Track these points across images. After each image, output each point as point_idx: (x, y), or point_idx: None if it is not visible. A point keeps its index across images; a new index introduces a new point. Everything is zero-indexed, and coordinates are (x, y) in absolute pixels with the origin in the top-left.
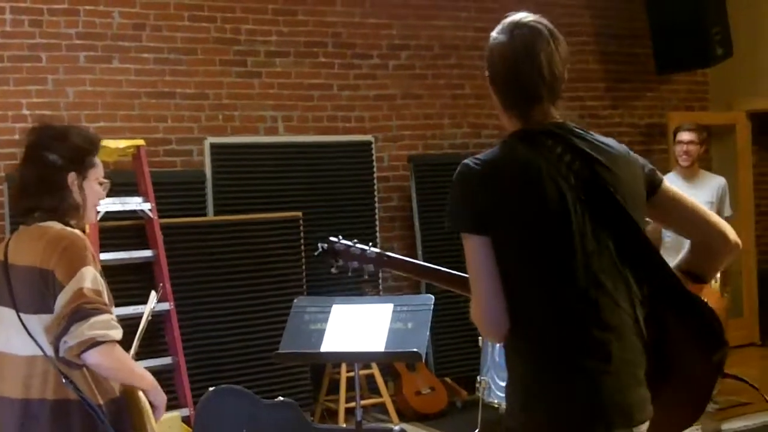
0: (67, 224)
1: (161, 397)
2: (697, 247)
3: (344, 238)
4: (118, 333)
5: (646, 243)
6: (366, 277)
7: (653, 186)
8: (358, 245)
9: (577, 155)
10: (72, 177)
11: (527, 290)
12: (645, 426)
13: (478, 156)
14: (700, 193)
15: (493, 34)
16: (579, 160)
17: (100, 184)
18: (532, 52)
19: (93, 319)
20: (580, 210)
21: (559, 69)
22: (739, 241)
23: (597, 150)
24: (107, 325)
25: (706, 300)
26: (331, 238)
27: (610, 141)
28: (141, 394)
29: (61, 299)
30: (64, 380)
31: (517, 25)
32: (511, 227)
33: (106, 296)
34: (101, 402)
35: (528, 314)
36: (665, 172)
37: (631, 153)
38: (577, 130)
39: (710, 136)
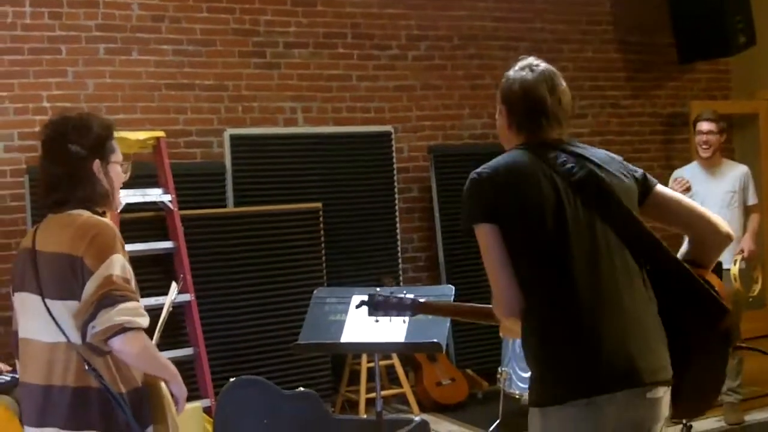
0: (96, 212)
1: (183, 390)
2: (693, 241)
3: (380, 287)
4: (145, 320)
5: (641, 227)
6: (404, 322)
7: (647, 188)
8: (396, 295)
9: (573, 158)
10: (97, 165)
11: (533, 273)
12: (661, 388)
13: (483, 165)
14: (723, 183)
15: (511, 72)
16: (574, 162)
17: (121, 165)
18: (554, 86)
19: (121, 306)
20: (577, 203)
21: (567, 102)
22: (731, 232)
23: (589, 157)
24: (135, 312)
25: (709, 280)
26: (370, 293)
27: (601, 152)
28: (163, 385)
29: (90, 286)
30: (86, 367)
31: (535, 65)
32: (516, 219)
33: (134, 284)
34: (123, 391)
35: (535, 294)
36: (687, 162)
37: (623, 161)
38: (573, 143)
39: (732, 125)
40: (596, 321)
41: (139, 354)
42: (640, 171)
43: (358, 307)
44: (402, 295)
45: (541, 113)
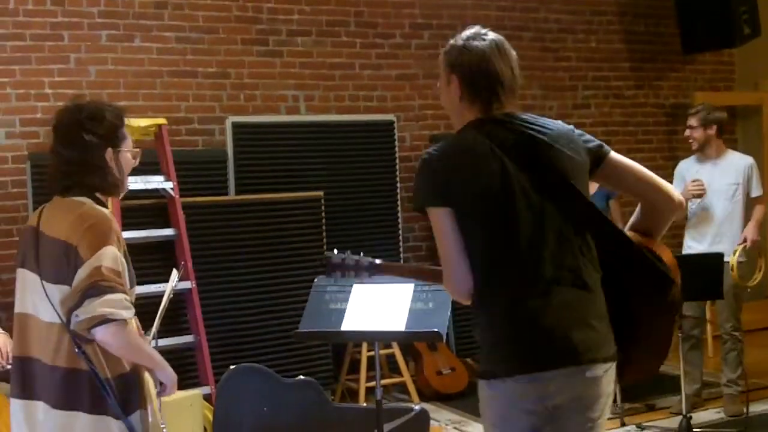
0: (99, 201)
1: (171, 375)
2: (645, 207)
3: (340, 251)
4: (129, 313)
5: (586, 205)
6: (363, 282)
7: (599, 157)
8: (352, 257)
9: (520, 136)
10: (109, 154)
11: (481, 253)
12: (600, 366)
13: (434, 147)
14: (727, 174)
15: (459, 41)
16: (521, 140)
17: (131, 152)
18: (506, 54)
19: (106, 297)
20: (523, 181)
21: (517, 73)
22: (683, 200)
23: (539, 131)
24: (119, 304)
25: (659, 253)
26: (326, 253)
27: (552, 123)
28: (147, 375)
29: (80, 274)
30: (77, 350)
31: (484, 34)
32: (465, 200)
33: (126, 277)
34: (109, 376)
35: (482, 274)
36: (690, 153)
37: (576, 131)
38: (523, 116)
39: (736, 116)
40: (538, 300)
41: (121, 346)
42: (594, 142)
43: (327, 275)
44: (359, 257)
45: (496, 84)
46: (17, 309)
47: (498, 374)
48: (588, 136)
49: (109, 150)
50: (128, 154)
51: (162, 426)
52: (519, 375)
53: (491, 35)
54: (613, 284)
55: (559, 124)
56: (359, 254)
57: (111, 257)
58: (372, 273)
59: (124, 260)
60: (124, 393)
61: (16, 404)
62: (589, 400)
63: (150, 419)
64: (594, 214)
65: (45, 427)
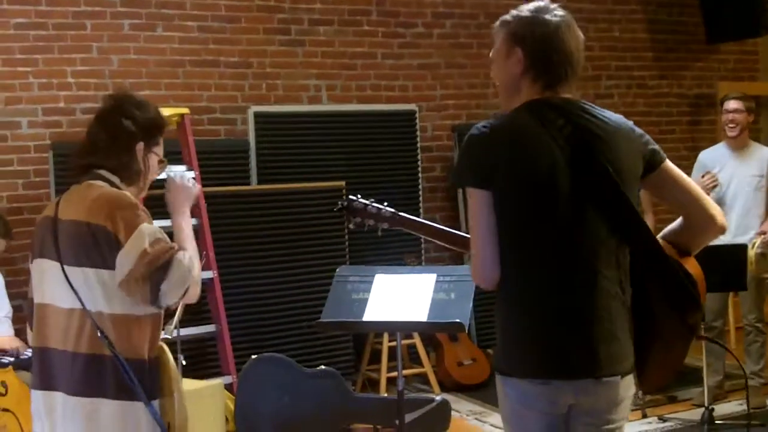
0: (114, 185)
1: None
2: (685, 223)
3: (363, 197)
4: (193, 266)
5: (630, 210)
6: (379, 233)
7: (653, 164)
8: (375, 204)
9: (576, 127)
10: (140, 146)
11: (512, 245)
12: (618, 379)
13: (485, 121)
14: (750, 166)
15: (527, 13)
16: (577, 131)
17: (159, 163)
18: (576, 35)
19: (170, 274)
20: (569, 177)
21: (582, 55)
22: (725, 224)
23: (597, 124)
24: (180, 265)
25: (688, 268)
26: (350, 197)
27: (614, 117)
28: (169, 356)
29: (126, 262)
30: (99, 335)
31: (555, 10)
32: (507, 186)
33: (167, 238)
34: (132, 361)
35: (510, 267)
36: (713, 143)
37: (636, 131)
38: (584, 105)
39: (759, 106)
40: (564, 305)
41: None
42: (651, 146)
43: (335, 210)
44: (381, 206)
45: (566, 64)
46: (36, 300)
47: (512, 374)
48: (647, 138)
49: (141, 144)
50: (155, 159)
51: (186, 412)
52: (533, 379)
53: (562, 12)
54: (641, 294)
55: (620, 121)
56: (383, 204)
57: (149, 232)
58: (392, 224)
59: (156, 227)
60: (147, 378)
61: (36, 395)
62: (608, 405)
63: (176, 405)
64: (637, 225)
65: (67, 416)
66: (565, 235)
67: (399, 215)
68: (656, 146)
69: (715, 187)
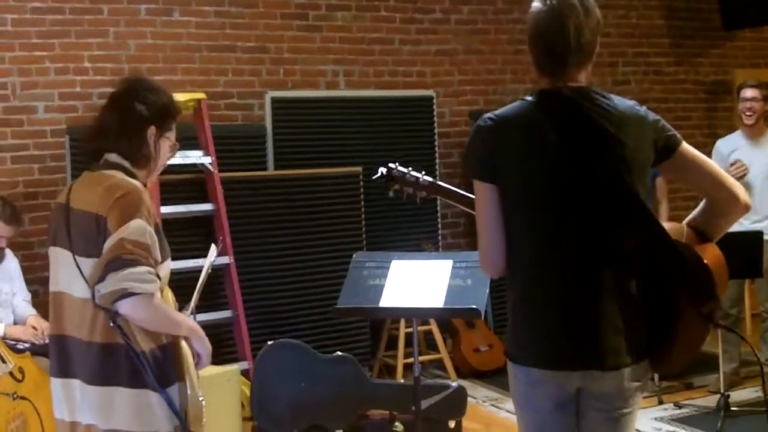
0: (131, 175)
1: (205, 345)
2: (708, 205)
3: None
4: (152, 286)
5: (635, 200)
6: (418, 202)
7: (669, 149)
8: (413, 173)
9: (584, 117)
10: (152, 130)
11: (518, 234)
12: (623, 371)
13: (495, 111)
14: (766, 153)
15: (532, 5)
16: (584, 122)
17: (171, 148)
18: (562, 18)
19: (127, 270)
20: (573, 168)
21: (587, 38)
22: (749, 201)
23: (605, 114)
24: (141, 277)
25: (704, 257)
26: (390, 165)
27: (624, 104)
28: (184, 344)
29: (105, 247)
30: (112, 324)
31: None
32: (512, 177)
33: (156, 249)
34: (145, 349)
35: (518, 256)
36: (730, 130)
37: (649, 117)
38: (593, 94)
39: None
40: (565, 298)
41: (146, 318)
42: (667, 132)
43: (375, 178)
44: (420, 175)
45: (565, 52)
46: (51, 288)
47: (519, 361)
48: (662, 124)
49: (153, 128)
50: (168, 144)
51: (201, 399)
52: (536, 368)
53: None
54: (655, 285)
55: (629, 108)
56: (421, 173)
57: (137, 230)
58: (429, 192)
59: (153, 233)
60: (161, 366)
61: (55, 383)
62: (617, 392)
63: (189, 392)
64: (643, 216)
65: (84, 404)
66: (565, 227)
67: (437, 183)
68: (671, 131)
69: (744, 176)
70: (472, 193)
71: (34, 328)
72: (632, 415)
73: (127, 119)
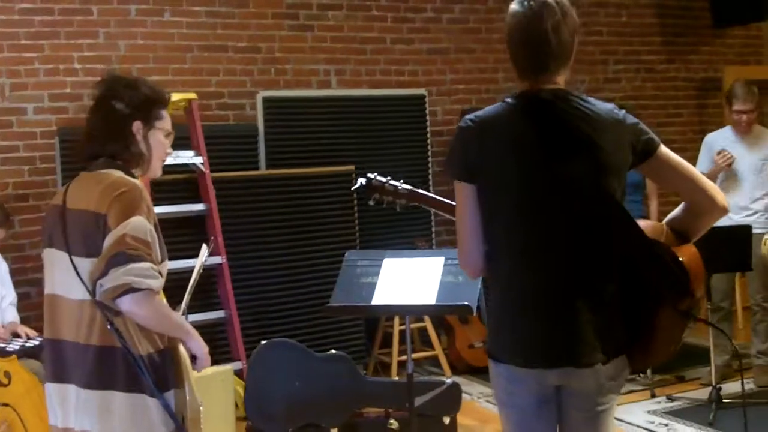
0: (129, 173)
1: (202, 347)
2: (686, 207)
3: (380, 175)
4: (155, 282)
5: (613, 203)
6: (398, 209)
7: (647, 152)
8: (392, 182)
9: (562, 120)
10: (137, 126)
11: (497, 235)
12: (600, 366)
13: (476, 112)
14: (756, 150)
15: (511, 5)
16: (562, 125)
17: (167, 136)
18: (540, 21)
19: (131, 265)
20: (549, 170)
21: (565, 39)
22: (726, 205)
23: (582, 118)
24: (144, 272)
25: (681, 256)
26: (369, 175)
27: (601, 108)
28: (182, 348)
29: (106, 243)
30: (109, 327)
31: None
32: (491, 179)
33: (156, 248)
34: (142, 353)
35: (496, 256)
36: (720, 126)
37: (627, 121)
38: (571, 97)
39: (764, 89)
40: (544, 297)
41: (148, 315)
42: (645, 136)
43: (355, 189)
44: (398, 184)
45: (542, 54)
46: (46, 290)
47: (499, 359)
48: (641, 127)
49: (138, 123)
50: (161, 134)
51: (200, 403)
52: (515, 366)
53: None
54: (633, 284)
55: (608, 113)
56: (400, 182)
57: (138, 226)
58: (409, 200)
59: (154, 232)
60: (159, 370)
61: (50, 388)
62: (597, 388)
63: (188, 397)
64: (619, 216)
65: (80, 409)
66: (542, 227)
67: (416, 191)
68: (650, 135)
69: (730, 165)
70: (453, 200)
71: (17, 335)
72: (610, 411)
73: (110, 120)
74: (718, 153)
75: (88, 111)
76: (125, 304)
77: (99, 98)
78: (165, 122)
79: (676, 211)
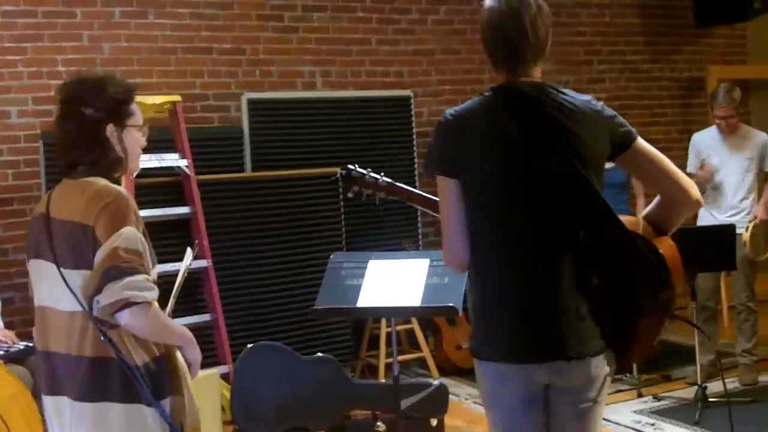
0: (112, 179)
1: (197, 354)
2: (662, 200)
3: (360, 167)
4: (152, 294)
5: (592, 194)
6: (377, 203)
7: (624, 144)
8: (372, 174)
9: (541, 112)
10: (110, 129)
11: (479, 229)
12: (589, 360)
13: (455, 108)
14: (741, 149)
15: (486, 1)
16: (541, 116)
17: (140, 129)
18: (517, 15)
19: (127, 279)
20: (529, 162)
21: (542, 32)
22: (700, 198)
23: (561, 109)
24: (141, 285)
25: (659, 248)
26: (349, 166)
27: (579, 99)
28: (179, 355)
29: (98, 257)
30: (102, 338)
31: None
32: (472, 172)
33: (147, 257)
34: (138, 363)
35: (479, 250)
36: (705, 126)
37: (605, 112)
38: (549, 89)
39: (748, 89)
40: (529, 290)
41: (146, 327)
42: (622, 129)
43: (333, 179)
44: (378, 176)
45: (518, 46)
46: (35, 302)
47: (484, 357)
48: (619, 120)
49: (111, 126)
50: (135, 132)
51: (198, 410)
52: (502, 363)
53: None
54: (614, 276)
55: (586, 104)
56: (380, 174)
57: (130, 237)
58: (388, 193)
59: (144, 240)
60: (156, 378)
61: (46, 400)
62: (586, 383)
63: (187, 404)
64: (599, 207)
65: (75, 420)
66: (524, 220)
67: (395, 184)
68: (627, 127)
69: (713, 176)
70: (435, 195)
71: (1, 340)
72: (600, 406)
73: (82, 129)
74: (700, 166)
75: (57, 118)
76: (123, 318)
77: (66, 105)
78: (136, 117)
79: (652, 205)
